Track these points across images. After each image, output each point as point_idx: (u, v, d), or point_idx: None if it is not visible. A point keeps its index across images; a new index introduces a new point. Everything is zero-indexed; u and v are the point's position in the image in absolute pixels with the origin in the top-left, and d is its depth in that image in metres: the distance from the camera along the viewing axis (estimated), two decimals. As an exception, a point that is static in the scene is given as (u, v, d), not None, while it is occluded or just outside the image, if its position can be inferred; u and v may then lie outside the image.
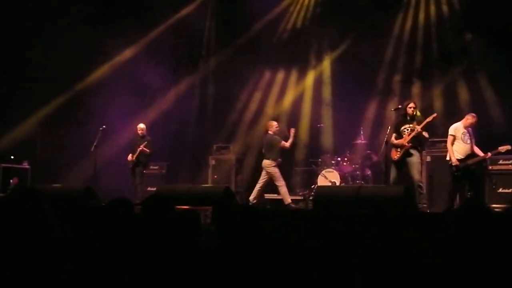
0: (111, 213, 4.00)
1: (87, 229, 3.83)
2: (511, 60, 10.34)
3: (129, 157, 11.23)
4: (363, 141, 11.39)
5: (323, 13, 12.62)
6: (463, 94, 11.20)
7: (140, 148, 11.07)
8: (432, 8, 11.77)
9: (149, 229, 3.62)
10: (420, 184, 8.65)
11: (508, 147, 8.66)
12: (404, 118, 8.84)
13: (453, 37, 11.44)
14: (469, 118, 8.84)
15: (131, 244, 3.54)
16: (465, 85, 11.21)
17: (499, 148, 8.72)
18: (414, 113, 8.73)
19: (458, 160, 8.64)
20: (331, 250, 4.15)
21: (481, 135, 9.09)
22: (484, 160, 9.04)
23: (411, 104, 8.81)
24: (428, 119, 8.59)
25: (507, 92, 10.43)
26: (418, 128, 8.53)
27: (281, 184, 9.94)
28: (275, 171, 9.95)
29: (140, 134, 11.38)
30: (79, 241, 3.62)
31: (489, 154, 8.76)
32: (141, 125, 11.47)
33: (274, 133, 10.15)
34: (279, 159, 10.04)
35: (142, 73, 13.48)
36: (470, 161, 8.70)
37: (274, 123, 10.32)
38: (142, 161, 11.21)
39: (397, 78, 11.85)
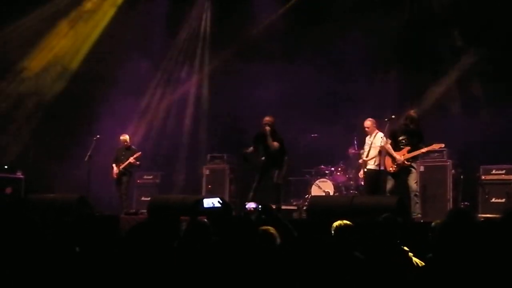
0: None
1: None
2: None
3: (115, 168, 11.13)
4: (356, 151, 11.38)
5: (313, 16, 12.65)
6: (458, 100, 11.26)
7: (132, 161, 11.01)
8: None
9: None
10: (417, 193, 8.65)
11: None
12: (403, 127, 8.77)
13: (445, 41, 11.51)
14: None
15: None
16: (459, 90, 11.28)
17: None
18: (413, 125, 8.69)
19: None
20: (323, 259, 4.16)
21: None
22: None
23: (413, 114, 8.75)
24: (430, 148, 8.66)
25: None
26: (419, 152, 8.59)
27: None
28: None
29: (125, 146, 11.29)
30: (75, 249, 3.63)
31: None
32: (123, 137, 11.34)
33: None
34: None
35: (136, 80, 13.48)
36: None
37: None
38: (130, 170, 11.14)
39: (392, 86, 11.86)
